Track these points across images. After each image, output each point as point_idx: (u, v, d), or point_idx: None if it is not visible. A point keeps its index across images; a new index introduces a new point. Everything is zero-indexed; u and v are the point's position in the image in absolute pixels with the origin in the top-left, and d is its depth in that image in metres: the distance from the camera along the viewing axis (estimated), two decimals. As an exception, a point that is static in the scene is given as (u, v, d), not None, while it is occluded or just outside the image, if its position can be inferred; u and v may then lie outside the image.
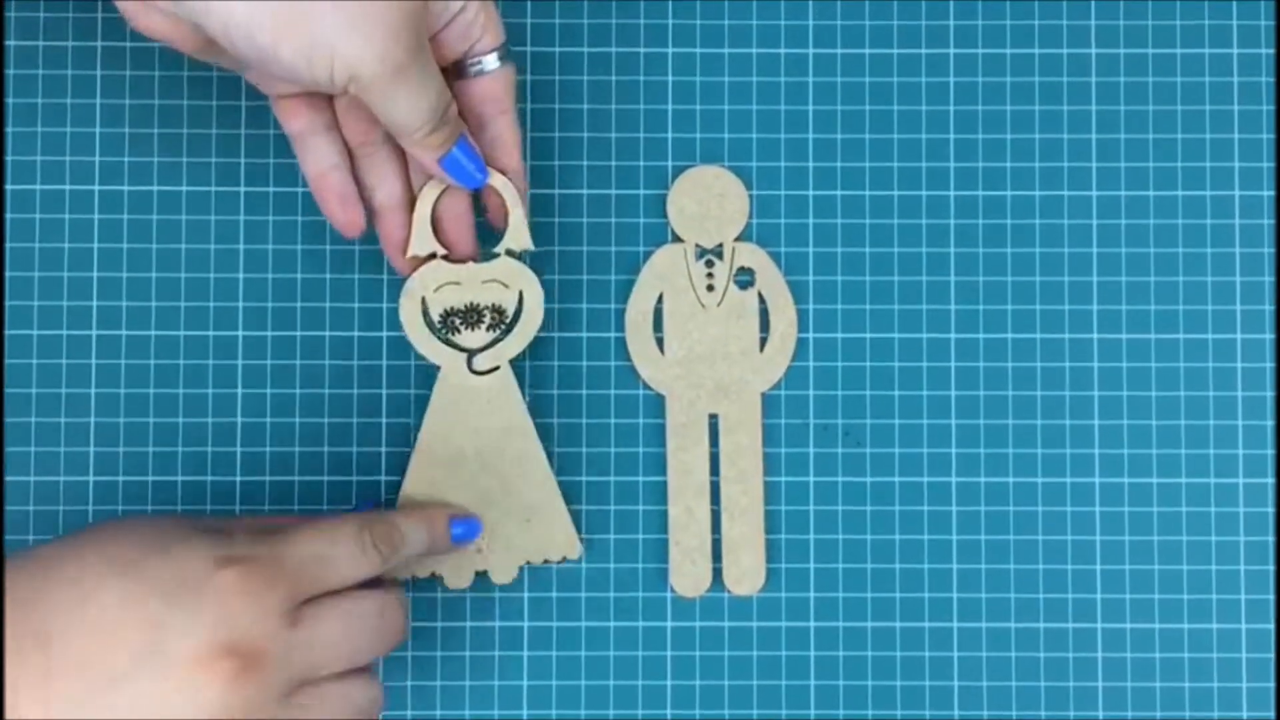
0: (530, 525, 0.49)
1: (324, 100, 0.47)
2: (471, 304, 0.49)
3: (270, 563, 0.41)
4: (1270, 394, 0.51)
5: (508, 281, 0.49)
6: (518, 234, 0.49)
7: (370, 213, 0.48)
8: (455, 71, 0.46)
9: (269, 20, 0.40)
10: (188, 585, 0.39)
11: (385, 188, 0.48)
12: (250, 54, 0.41)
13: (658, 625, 0.51)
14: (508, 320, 0.49)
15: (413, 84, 0.42)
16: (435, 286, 0.49)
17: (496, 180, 0.48)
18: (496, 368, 0.49)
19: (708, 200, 0.51)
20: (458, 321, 0.49)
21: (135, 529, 0.41)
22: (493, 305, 0.49)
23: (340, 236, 0.50)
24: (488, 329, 0.49)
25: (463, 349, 0.49)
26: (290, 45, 0.40)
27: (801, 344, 0.51)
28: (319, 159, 0.47)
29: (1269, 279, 0.51)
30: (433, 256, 0.49)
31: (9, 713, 0.38)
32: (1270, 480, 0.51)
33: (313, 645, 0.41)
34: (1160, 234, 0.52)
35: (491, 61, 0.46)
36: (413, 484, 0.49)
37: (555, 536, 0.50)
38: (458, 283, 0.49)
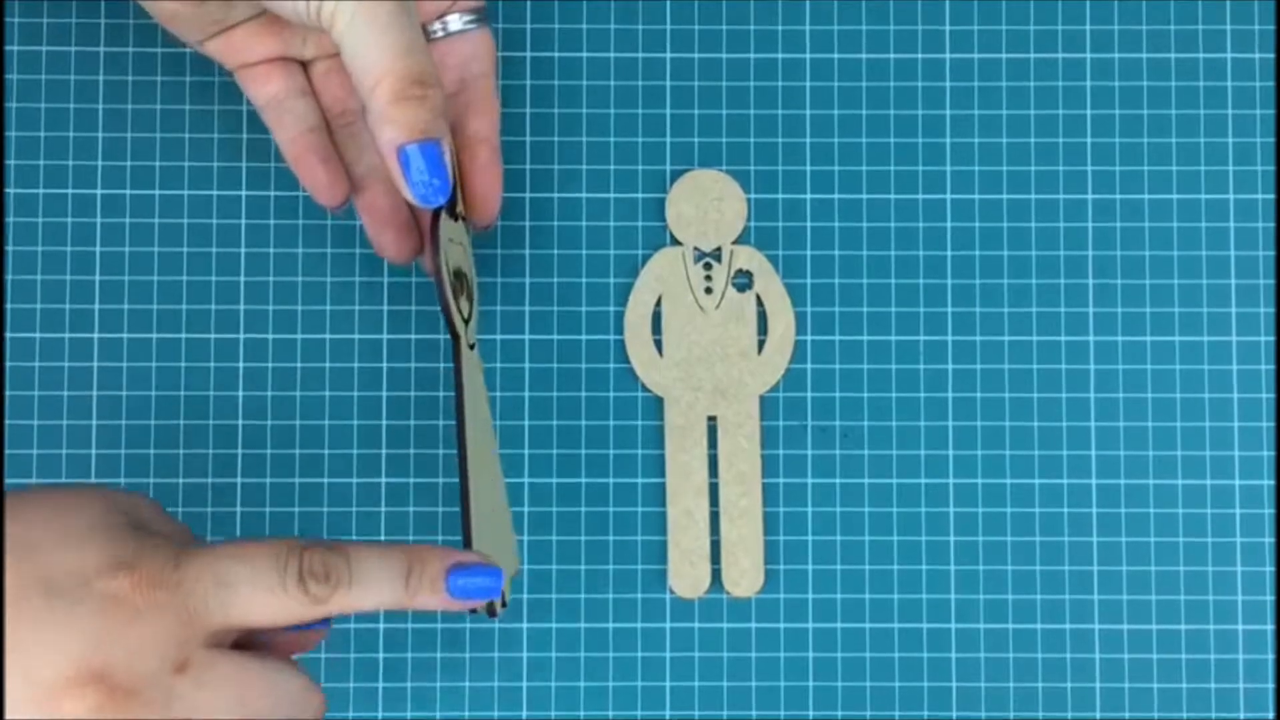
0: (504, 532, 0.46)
1: (297, 66, 0.45)
2: (458, 269, 0.44)
3: (166, 579, 0.33)
4: (1266, 396, 0.51)
5: (464, 243, 0.45)
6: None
7: (351, 187, 0.45)
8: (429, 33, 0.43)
9: None
10: (71, 584, 0.33)
11: (367, 159, 0.44)
12: None
13: (657, 627, 0.51)
14: (472, 288, 0.46)
15: (384, 18, 0.37)
16: (450, 238, 0.43)
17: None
18: (473, 345, 0.46)
19: (706, 204, 0.52)
20: (459, 286, 0.44)
21: (80, 504, 0.35)
22: (462, 271, 0.45)
23: (341, 239, 0.51)
24: (466, 298, 0.45)
25: (465, 319, 0.45)
26: None
27: (799, 346, 0.51)
28: (296, 121, 0.44)
29: (1264, 282, 0.52)
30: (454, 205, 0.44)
31: None
32: (1266, 482, 0.51)
33: (197, 705, 0.33)
34: (1155, 237, 0.52)
35: (455, 22, 0.44)
36: (474, 459, 0.42)
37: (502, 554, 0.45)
38: (460, 243, 0.45)
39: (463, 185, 0.44)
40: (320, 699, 0.36)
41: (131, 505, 0.36)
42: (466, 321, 0.44)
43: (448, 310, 0.42)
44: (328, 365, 0.51)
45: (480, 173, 0.44)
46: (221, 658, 0.34)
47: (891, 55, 0.52)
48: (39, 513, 0.34)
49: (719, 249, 0.52)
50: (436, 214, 0.41)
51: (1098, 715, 0.50)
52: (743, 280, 0.51)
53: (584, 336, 0.52)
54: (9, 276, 0.51)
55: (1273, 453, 0.51)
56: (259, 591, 0.34)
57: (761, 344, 0.51)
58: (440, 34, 0.45)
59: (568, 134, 0.52)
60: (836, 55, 0.52)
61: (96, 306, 0.51)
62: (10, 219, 0.51)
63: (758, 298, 0.51)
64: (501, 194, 0.45)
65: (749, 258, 0.51)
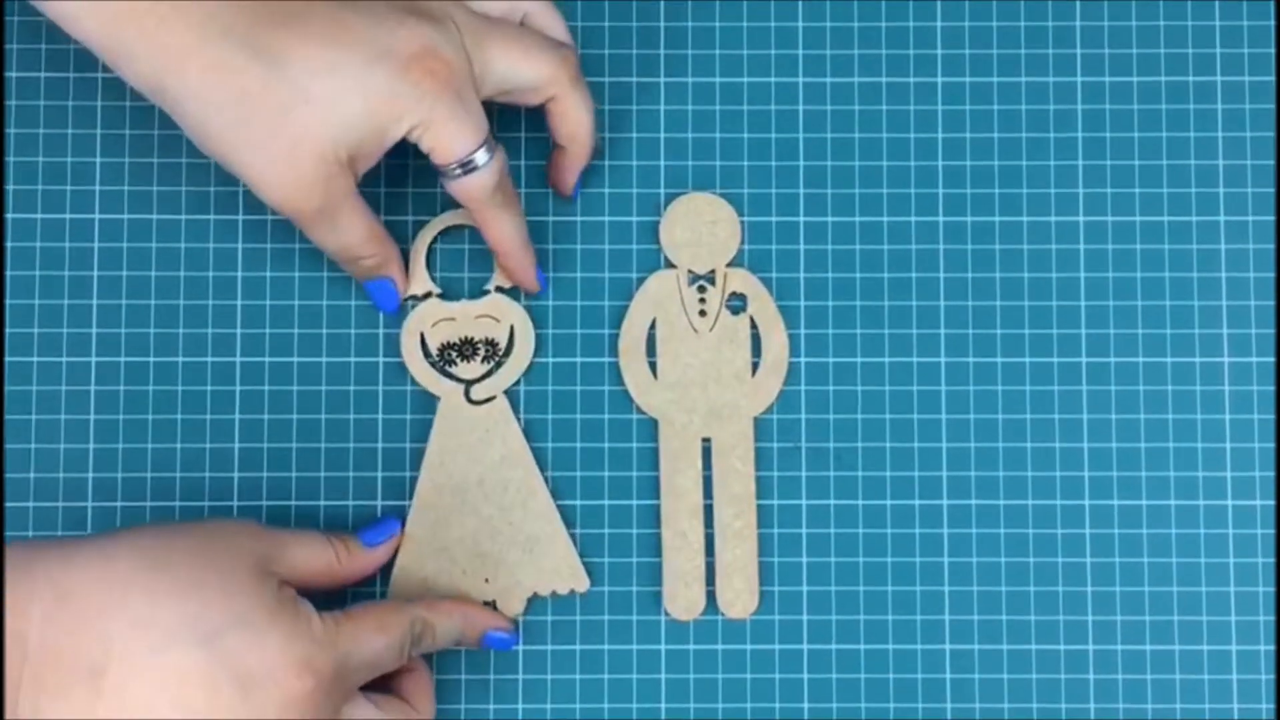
0: (533, 555, 0.50)
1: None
2: (466, 338, 0.51)
3: (335, 672, 0.43)
4: (1259, 417, 0.52)
5: (499, 316, 0.51)
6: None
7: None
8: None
9: (212, 138, 0.44)
10: (242, 679, 0.41)
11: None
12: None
13: (652, 648, 0.51)
14: (500, 353, 0.51)
15: (321, 229, 0.46)
16: (432, 323, 0.51)
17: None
18: (493, 398, 0.51)
19: (700, 227, 0.52)
20: (454, 354, 0.51)
21: (225, 596, 0.42)
22: (486, 339, 0.51)
23: (335, 264, 0.51)
24: (482, 361, 0.51)
25: (460, 380, 0.51)
26: (228, 163, 0.45)
27: (793, 368, 0.52)
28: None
29: (1255, 303, 0.52)
30: (429, 295, 0.51)
31: None
32: (1258, 502, 0.51)
33: None
34: (1146, 259, 0.52)
35: (453, 171, 0.46)
36: (417, 513, 0.50)
37: (559, 567, 0.50)
38: (452, 319, 0.51)
39: (503, 272, 0.51)
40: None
41: (261, 539, 0.44)
42: (472, 382, 0.51)
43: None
44: (323, 388, 0.52)
45: (508, 269, 0.51)
46: (356, 708, 0.45)
47: (883, 79, 0.53)
48: (197, 581, 0.42)
49: (713, 272, 0.52)
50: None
51: (1092, 736, 0.51)
52: (737, 303, 0.52)
53: (579, 359, 0.52)
54: (7, 300, 0.52)
55: (1266, 473, 0.51)
56: (390, 661, 0.45)
57: (755, 366, 0.51)
58: (467, 170, 0.47)
59: (562, 158, 0.52)
60: (829, 79, 0.53)
61: (93, 330, 0.52)
62: (9, 244, 0.52)
63: (751, 320, 0.52)
64: (532, 272, 0.51)
65: (743, 281, 0.52)
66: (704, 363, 0.51)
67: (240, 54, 0.43)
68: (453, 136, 0.45)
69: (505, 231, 0.49)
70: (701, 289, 0.52)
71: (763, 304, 0.52)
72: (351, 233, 0.47)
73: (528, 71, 0.47)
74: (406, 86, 0.44)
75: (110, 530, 0.43)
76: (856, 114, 0.53)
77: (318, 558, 0.46)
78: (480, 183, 0.47)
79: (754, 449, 0.51)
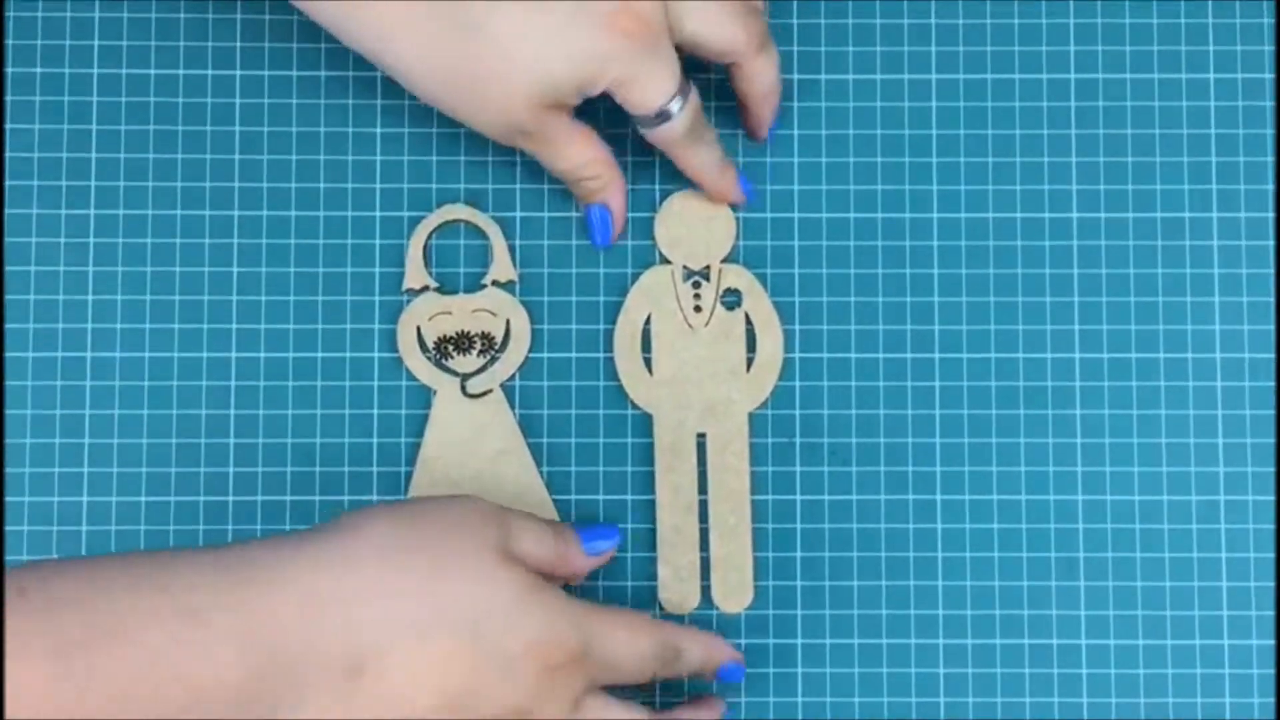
0: None
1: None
2: (462, 331, 0.51)
3: (578, 657, 0.43)
4: (1251, 413, 0.52)
5: (495, 310, 0.51)
6: (502, 266, 0.52)
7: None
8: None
9: (430, 96, 0.46)
10: (516, 659, 0.42)
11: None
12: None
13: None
14: (497, 346, 0.51)
15: (545, 155, 0.48)
16: (429, 316, 0.51)
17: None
18: (489, 391, 0.51)
19: (695, 223, 0.52)
20: (450, 348, 0.51)
21: (477, 580, 0.42)
22: (482, 333, 0.51)
23: (332, 259, 0.51)
24: (479, 354, 0.51)
25: (456, 373, 0.51)
26: (450, 113, 0.47)
27: (788, 364, 0.52)
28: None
29: (1246, 299, 0.52)
30: (425, 289, 0.51)
31: None
32: (1249, 497, 0.51)
33: None
34: (1139, 255, 0.52)
35: (649, 121, 0.47)
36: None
37: None
38: (449, 312, 0.51)
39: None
40: None
41: (498, 522, 0.44)
42: (468, 375, 0.51)
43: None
44: (319, 384, 0.52)
45: (706, 191, 0.52)
46: (597, 701, 0.44)
47: (878, 76, 0.53)
48: (449, 563, 0.42)
49: (708, 268, 0.52)
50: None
51: (1085, 730, 0.51)
52: (732, 299, 0.52)
53: (574, 354, 0.52)
54: (5, 296, 0.52)
55: (1261, 469, 0.52)
56: (632, 673, 0.45)
57: (750, 362, 0.52)
58: (660, 119, 0.47)
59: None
60: (824, 76, 0.53)
61: (89, 325, 0.52)
62: (5, 239, 0.52)
63: (746, 316, 0.52)
64: (733, 192, 0.51)
65: (738, 276, 0.52)
66: (699, 359, 0.51)
67: (445, 26, 0.45)
68: (648, 89, 0.46)
69: (702, 164, 0.50)
70: (696, 285, 0.52)
71: (758, 300, 0.52)
72: (573, 157, 0.48)
73: (715, 33, 0.47)
74: (605, 44, 0.45)
75: (336, 522, 0.43)
76: (850, 111, 0.53)
77: (543, 550, 0.45)
78: (676, 128, 0.47)
79: (749, 444, 0.51)
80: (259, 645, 0.39)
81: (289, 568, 0.41)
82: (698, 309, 0.52)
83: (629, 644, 0.45)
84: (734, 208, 0.52)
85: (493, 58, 0.45)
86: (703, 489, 0.51)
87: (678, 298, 0.52)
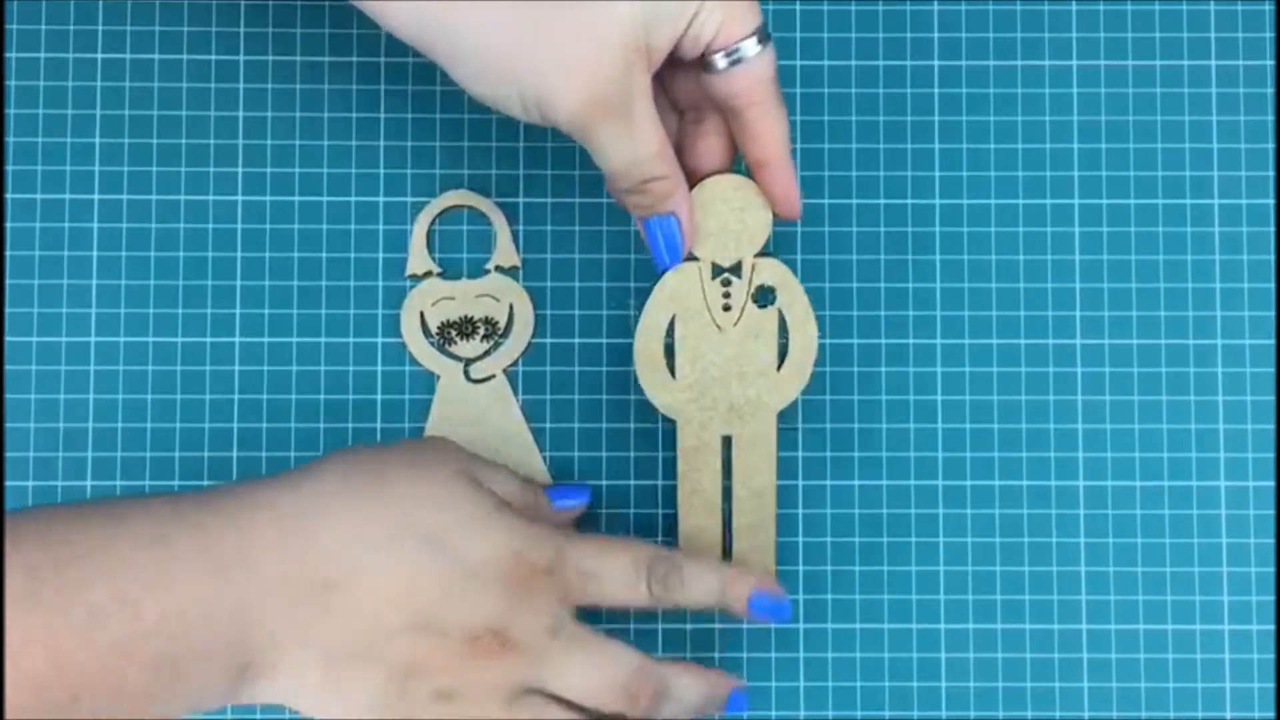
0: None
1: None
2: (465, 317, 0.51)
3: (551, 566, 0.43)
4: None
5: (498, 296, 0.52)
6: (505, 252, 0.52)
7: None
8: (700, 67, 0.44)
9: (494, 66, 0.42)
10: (487, 570, 0.42)
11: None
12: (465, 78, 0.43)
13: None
14: (500, 331, 0.51)
15: (616, 130, 0.43)
16: (432, 301, 0.51)
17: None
18: (492, 376, 0.51)
19: (726, 215, 0.47)
20: (454, 333, 0.51)
21: (441, 499, 0.42)
22: (485, 318, 0.51)
23: (336, 244, 0.51)
24: (482, 340, 0.51)
25: (459, 358, 0.51)
26: (519, 84, 0.42)
27: (817, 349, 0.49)
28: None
29: (1247, 285, 0.52)
30: (429, 274, 0.51)
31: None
32: (1250, 484, 0.52)
33: (561, 662, 0.42)
34: (1141, 241, 0.52)
35: (749, 48, 0.43)
36: None
37: None
38: (452, 298, 0.51)
39: (764, 188, 0.47)
40: (653, 684, 0.43)
41: (467, 457, 0.45)
42: (471, 360, 0.51)
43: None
44: (322, 369, 0.52)
45: (772, 181, 0.46)
46: (580, 629, 0.43)
47: (881, 62, 0.53)
48: (443, 503, 0.43)
49: (739, 263, 0.47)
50: None
51: (1086, 714, 0.51)
52: (764, 296, 0.48)
53: (577, 340, 0.52)
54: (6, 281, 0.52)
55: (1260, 454, 0.52)
56: (617, 586, 0.44)
57: (780, 358, 0.48)
58: (734, 61, 0.44)
59: (561, 139, 0.52)
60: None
61: (93, 310, 0.52)
62: (8, 224, 0.52)
63: (779, 313, 0.48)
64: (795, 188, 0.46)
65: (772, 271, 0.47)
66: (726, 359, 0.47)
67: None
68: (733, 16, 0.43)
69: (776, 134, 0.45)
70: (726, 282, 0.47)
71: (794, 296, 0.47)
72: (645, 140, 0.43)
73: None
74: None
75: (306, 464, 0.44)
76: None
77: (509, 491, 0.45)
78: (754, 74, 0.43)
79: (776, 443, 0.48)
80: (225, 563, 0.40)
81: (258, 495, 0.42)
82: (726, 308, 0.47)
83: (604, 556, 0.44)
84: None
85: None
86: (727, 475, 0.48)
87: (705, 297, 0.47)
